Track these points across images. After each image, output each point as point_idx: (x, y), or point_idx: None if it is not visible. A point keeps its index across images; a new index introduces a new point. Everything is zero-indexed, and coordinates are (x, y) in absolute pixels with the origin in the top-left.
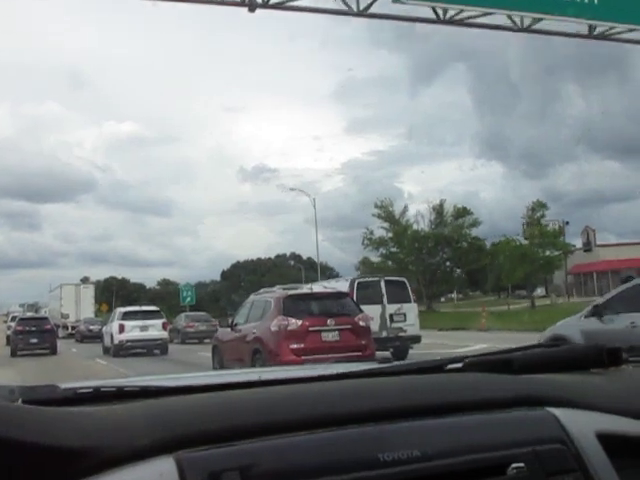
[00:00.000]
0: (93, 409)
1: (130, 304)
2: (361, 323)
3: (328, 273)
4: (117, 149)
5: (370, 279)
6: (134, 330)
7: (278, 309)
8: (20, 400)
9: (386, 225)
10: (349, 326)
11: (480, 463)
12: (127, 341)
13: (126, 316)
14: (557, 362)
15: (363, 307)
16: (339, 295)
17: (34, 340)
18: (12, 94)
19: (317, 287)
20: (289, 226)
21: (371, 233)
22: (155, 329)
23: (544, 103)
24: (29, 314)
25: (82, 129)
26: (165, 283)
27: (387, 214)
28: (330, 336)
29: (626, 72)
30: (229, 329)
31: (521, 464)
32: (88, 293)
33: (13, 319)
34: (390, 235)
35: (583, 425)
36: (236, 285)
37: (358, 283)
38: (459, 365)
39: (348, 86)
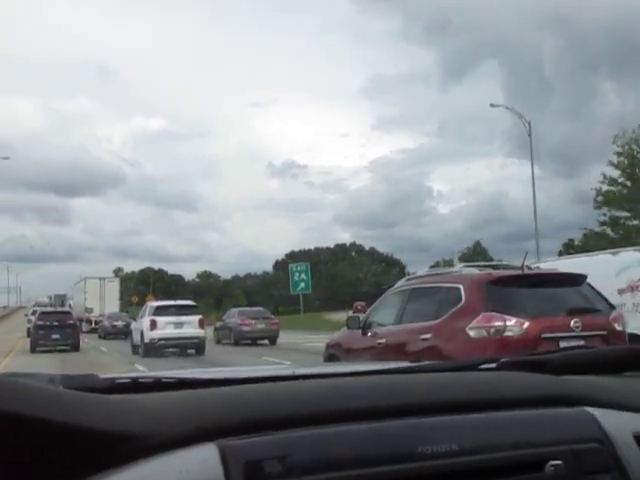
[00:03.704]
0: (135, 397)
1: (168, 297)
2: (616, 326)
3: (398, 267)
4: (145, 144)
5: None
6: (167, 327)
7: (478, 301)
8: (60, 388)
9: (615, 175)
10: (602, 331)
11: (518, 459)
12: (159, 339)
13: (158, 311)
14: (592, 364)
15: None
16: (574, 279)
17: (56, 335)
18: (43, 89)
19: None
20: (316, 223)
21: (613, 183)
22: (191, 326)
23: (578, 101)
24: (50, 309)
25: (111, 124)
26: (206, 275)
27: (631, 156)
28: None
29: None
30: (359, 332)
31: (559, 462)
32: (113, 287)
33: (34, 313)
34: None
35: (621, 425)
36: None
37: None
38: (492, 365)
39: (377, 82)
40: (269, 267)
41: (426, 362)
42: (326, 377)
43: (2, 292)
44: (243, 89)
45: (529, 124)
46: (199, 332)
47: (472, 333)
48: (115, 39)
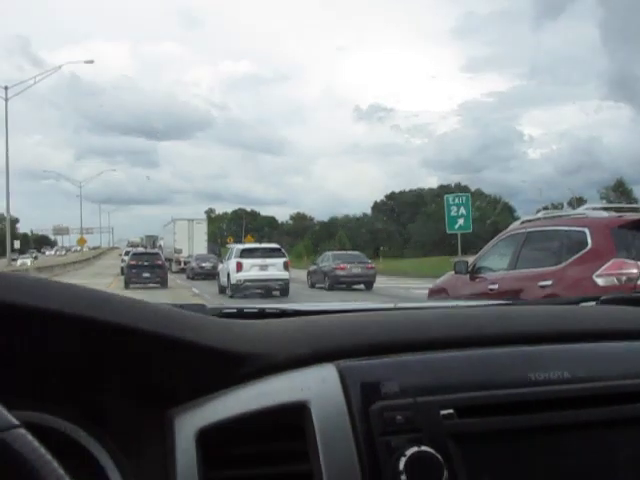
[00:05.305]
0: (253, 321)
1: (261, 239)
2: None
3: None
4: (233, 88)
5: None
6: (253, 269)
7: (607, 246)
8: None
9: None
10: None
11: (628, 388)
12: (245, 280)
13: (244, 253)
14: None
15: None
16: None
17: (146, 274)
18: (131, 35)
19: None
20: (403, 167)
21: None
22: (276, 268)
23: None
24: (141, 250)
25: (199, 68)
26: (300, 217)
27: None
28: None
29: None
30: (466, 277)
31: None
32: (201, 229)
33: (127, 253)
34: None
35: None
36: (392, 219)
37: None
38: (593, 302)
39: (468, 22)
40: (361, 210)
41: (529, 299)
42: (436, 309)
43: (95, 232)
44: (329, 32)
45: None
46: (284, 274)
47: (600, 281)
48: None
